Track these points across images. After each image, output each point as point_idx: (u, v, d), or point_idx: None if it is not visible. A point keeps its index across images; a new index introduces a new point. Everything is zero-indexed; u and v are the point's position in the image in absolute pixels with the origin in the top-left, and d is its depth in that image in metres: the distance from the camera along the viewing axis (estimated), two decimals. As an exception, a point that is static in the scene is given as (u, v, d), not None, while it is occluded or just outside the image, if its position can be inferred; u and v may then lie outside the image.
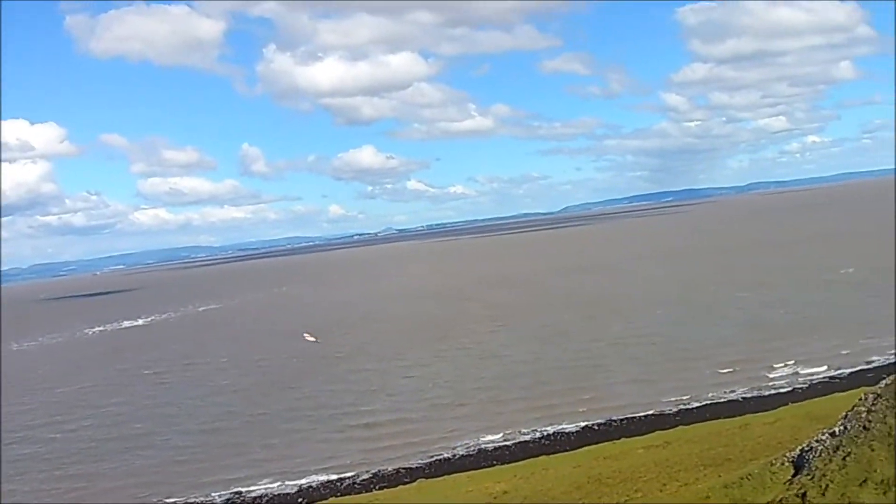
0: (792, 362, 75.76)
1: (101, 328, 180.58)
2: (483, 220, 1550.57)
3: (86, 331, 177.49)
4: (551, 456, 59.04)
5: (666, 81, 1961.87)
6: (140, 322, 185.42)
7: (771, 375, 73.54)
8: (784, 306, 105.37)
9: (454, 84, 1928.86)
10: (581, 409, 68.14)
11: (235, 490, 62.48)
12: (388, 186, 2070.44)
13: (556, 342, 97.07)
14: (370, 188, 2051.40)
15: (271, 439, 70.80)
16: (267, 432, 73.36)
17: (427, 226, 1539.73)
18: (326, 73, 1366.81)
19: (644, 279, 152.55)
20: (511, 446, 63.02)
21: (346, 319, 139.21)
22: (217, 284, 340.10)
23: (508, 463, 59.54)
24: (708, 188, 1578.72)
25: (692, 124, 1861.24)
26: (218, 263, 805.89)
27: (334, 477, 62.48)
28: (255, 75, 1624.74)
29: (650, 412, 65.93)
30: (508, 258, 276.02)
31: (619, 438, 59.68)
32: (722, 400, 67.65)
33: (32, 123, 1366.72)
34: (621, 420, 64.89)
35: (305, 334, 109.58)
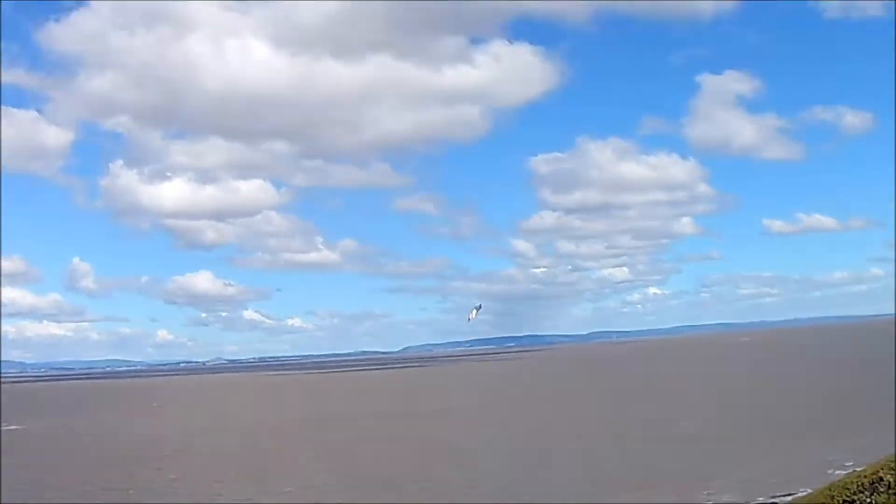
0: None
1: None
2: (319, 356, 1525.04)
3: None
4: None
5: (515, 228, 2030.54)
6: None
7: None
8: (621, 459, 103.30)
9: (304, 215, 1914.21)
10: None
11: None
12: (223, 314, 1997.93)
13: (380, 494, 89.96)
14: (204, 315, 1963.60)
15: None
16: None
17: (260, 358, 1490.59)
18: (172, 193, 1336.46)
19: (480, 425, 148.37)
20: None
21: (155, 454, 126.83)
22: (20, 403, 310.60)
23: None
24: (551, 335, 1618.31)
25: (538, 270, 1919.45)
26: (27, 381, 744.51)
27: None
28: (98, 189, 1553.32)
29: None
30: (339, 397, 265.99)
31: None
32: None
33: None
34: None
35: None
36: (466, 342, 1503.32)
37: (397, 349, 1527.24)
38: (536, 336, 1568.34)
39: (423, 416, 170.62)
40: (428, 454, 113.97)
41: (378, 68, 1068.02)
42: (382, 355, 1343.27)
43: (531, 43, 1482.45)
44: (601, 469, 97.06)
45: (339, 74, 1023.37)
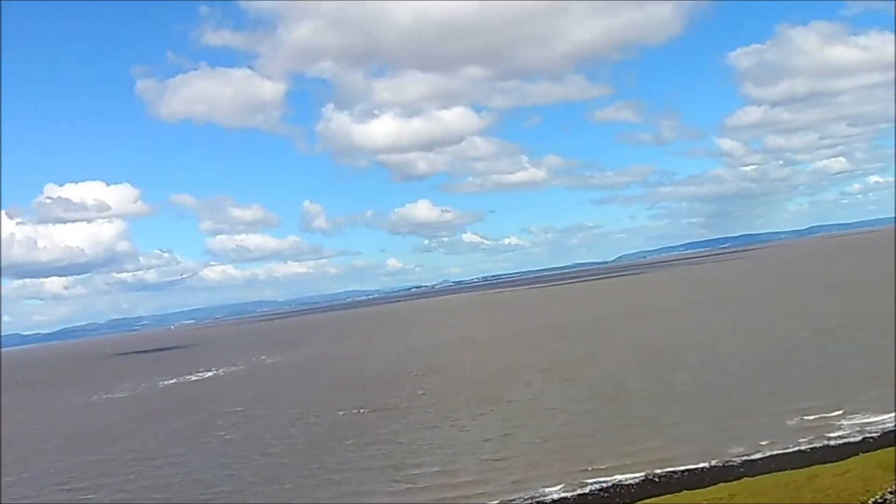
0: (862, 411, 72.52)
1: (172, 381, 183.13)
2: (538, 271, 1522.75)
3: (159, 383, 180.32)
4: (611, 508, 56.61)
5: (719, 126, 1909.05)
6: (208, 374, 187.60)
7: (839, 423, 70.46)
8: (855, 353, 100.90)
9: (506, 136, 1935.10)
10: (641, 461, 66.11)
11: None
12: (445, 239, 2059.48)
13: (614, 396, 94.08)
14: (427, 241, 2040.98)
15: (316, 491, 69.52)
16: (315, 484, 72.32)
17: (483, 277, 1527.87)
18: (382, 130, 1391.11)
19: (704, 326, 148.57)
20: (570, 499, 61.28)
21: (397, 373, 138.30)
22: (280, 337, 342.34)
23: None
24: (767, 233, 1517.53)
25: (748, 168, 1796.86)
26: (281, 317, 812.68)
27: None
28: (315, 134, 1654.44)
29: (714, 463, 63.68)
30: (563, 308, 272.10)
31: (680, 491, 57.66)
32: (788, 450, 64.81)
33: (108, 184, 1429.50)
34: (683, 472, 62.73)
35: None
36: (680, 246, 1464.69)
37: (612, 258, 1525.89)
38: (752, 235, 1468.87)
39: (644, 320, 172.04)
40: (655, 358, 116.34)
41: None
42: (598, 265, 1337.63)
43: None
44: (833, 363, 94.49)
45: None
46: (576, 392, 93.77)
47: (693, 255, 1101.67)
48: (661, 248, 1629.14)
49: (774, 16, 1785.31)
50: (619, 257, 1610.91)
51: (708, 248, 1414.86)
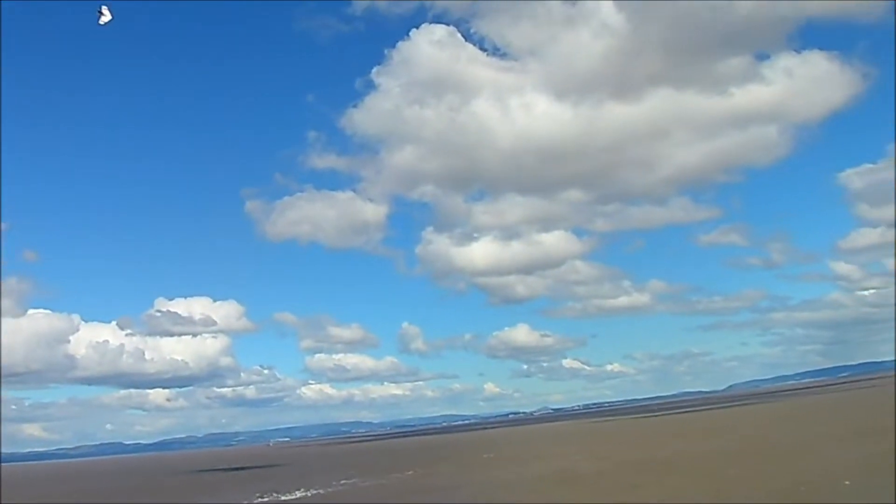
0: None
1: (265, 499, 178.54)
2: (642, 399, 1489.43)
3: (254, 501, 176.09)
4: None
5: (833, 249, 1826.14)
6: (298, 495, 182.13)
7: None
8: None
9: (608, 261, 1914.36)
10: None
11: None
12: (544, 364, 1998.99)
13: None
14: (525, 366, 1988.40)
15: None
16: None
17: (584, 405, 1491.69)
18: (481, 253, 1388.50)
19: (837, 464, 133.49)
20: None
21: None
22: (373, 460, 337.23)
23: None
24: (891, 360, 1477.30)
25: (867, 293, 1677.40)
26: (376, 439, 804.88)
27: None
28: (415, 256, 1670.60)
29: None
30: (670, 439, 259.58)
31: None
32: None
33: (215, 301, 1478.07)
34: None
35: None
36: (795, 375, 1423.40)
37: (722, 387, 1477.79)
38: (874, 363, 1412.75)
39: (763, 455, 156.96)
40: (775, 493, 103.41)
41: (662, 101, 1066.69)
42: (707, 394, 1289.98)
43: (822, 49, 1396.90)
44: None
45: (623, 115, 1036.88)
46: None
47: (811, 385, 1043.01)
48: (776, 377, 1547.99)
49: (885, 136, 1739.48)
50: (730, 386, 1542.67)
51: (826, 377, 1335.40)
